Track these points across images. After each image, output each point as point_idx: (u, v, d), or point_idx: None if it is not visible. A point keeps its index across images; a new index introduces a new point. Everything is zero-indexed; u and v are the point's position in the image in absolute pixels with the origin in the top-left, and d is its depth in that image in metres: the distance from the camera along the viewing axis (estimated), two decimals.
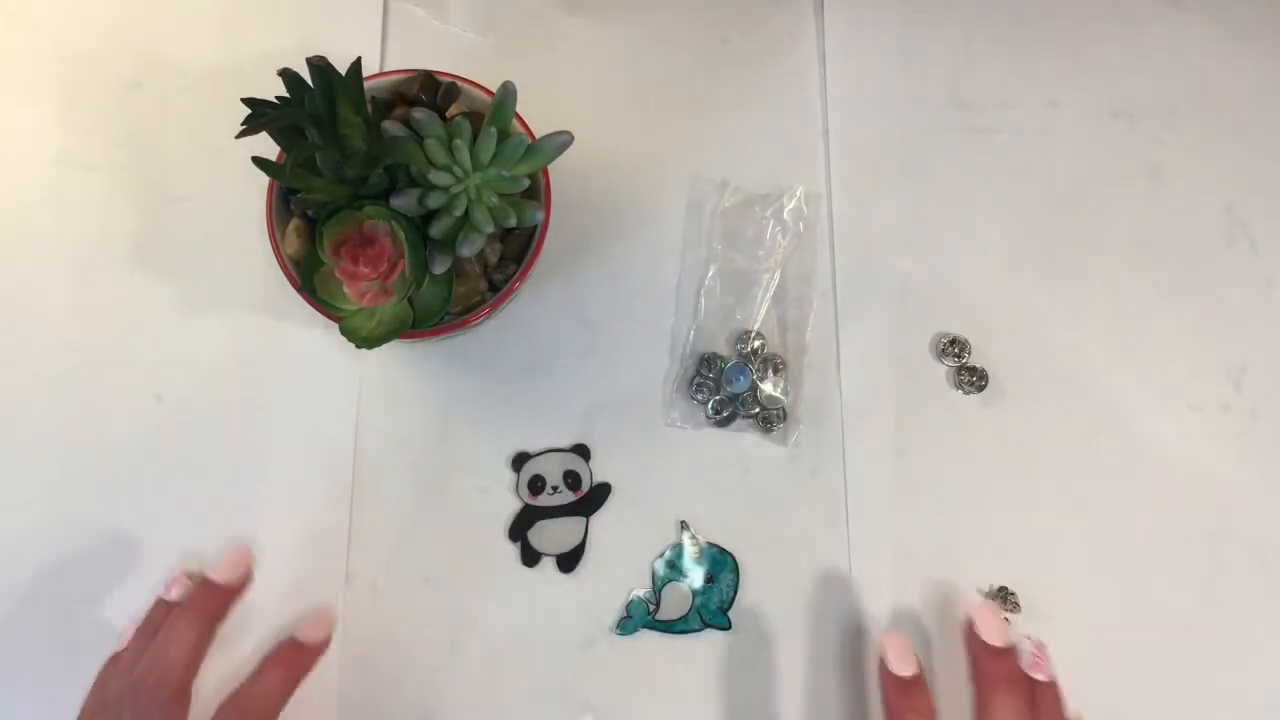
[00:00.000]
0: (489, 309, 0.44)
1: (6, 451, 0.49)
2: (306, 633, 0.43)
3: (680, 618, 0.48)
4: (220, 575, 0.43)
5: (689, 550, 0.48)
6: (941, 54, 0.55)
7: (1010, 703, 0.41)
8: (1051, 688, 0.42)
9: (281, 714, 0.41)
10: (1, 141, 0.52)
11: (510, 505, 0.49)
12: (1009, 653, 0.42)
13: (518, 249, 0.46)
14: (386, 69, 0.52)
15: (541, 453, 0.49)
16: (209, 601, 0.42)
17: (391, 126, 0.41)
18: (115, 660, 0.42)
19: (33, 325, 0.50)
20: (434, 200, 0.40)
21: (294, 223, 0.44)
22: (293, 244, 0.44)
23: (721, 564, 0.48)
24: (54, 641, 0.46)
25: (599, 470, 0.49)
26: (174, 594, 0.43)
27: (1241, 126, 0.55)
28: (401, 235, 0.40)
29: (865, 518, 0.49)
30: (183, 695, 0.40)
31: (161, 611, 0.43)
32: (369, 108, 0.42)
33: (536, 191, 0.45)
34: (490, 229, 0.41)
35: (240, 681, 0.41)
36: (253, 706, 0.41)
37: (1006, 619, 0.44)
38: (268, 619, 0.46)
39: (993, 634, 0.42)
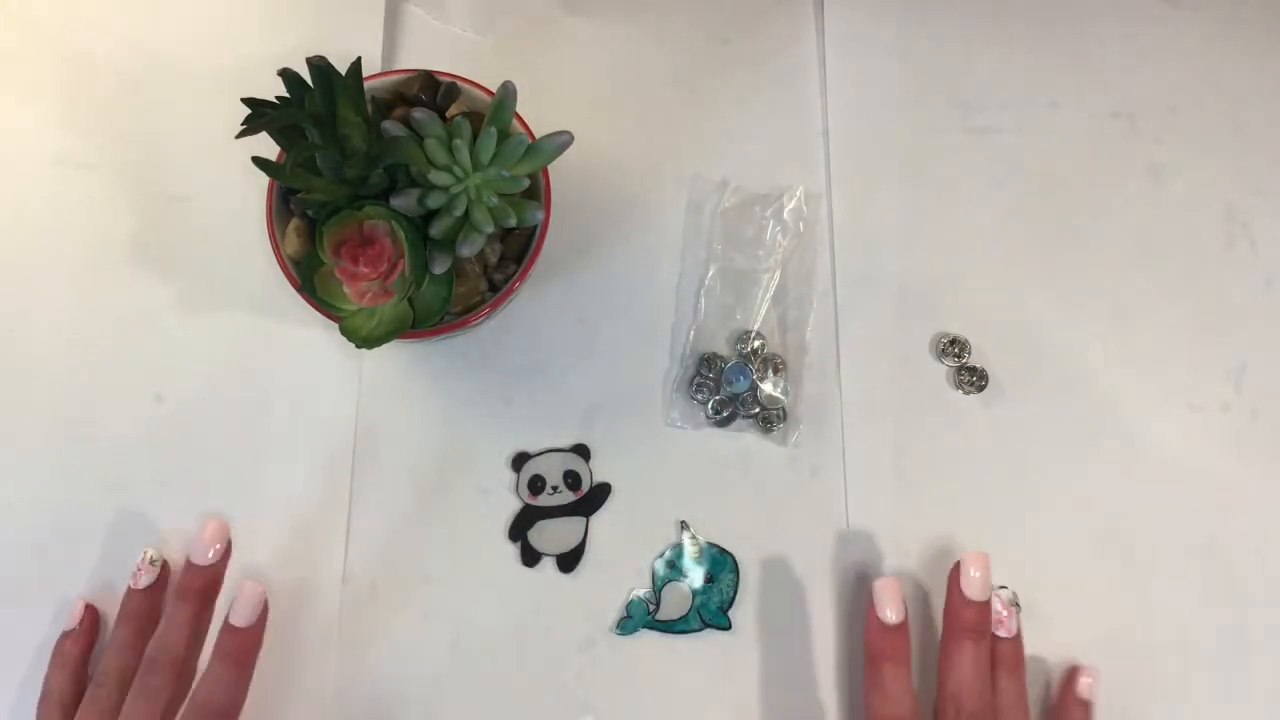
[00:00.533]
0: (489, 309, 0.44)
1: (6, 451, 0.49)
2: (237, 616, 0.43)
3: (680, 618, 0.48)
4: (200, 558, 0.44)
5: (689, 550, 0.48)
6: (941, 54, 0.55)
7: (973, 652, 0.42)
8: (1012, 644, 0.44)
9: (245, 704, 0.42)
10: (1, 141, 0.52)
11: (510, 505, 0.49)
12: (984, 605, 0.43)
13: (518, 249, 0.46)
14: (387, 69, 0.52)
15: (541, 453, 0.49)
16: (197, 582, 0.43)
17: (391, 126, 0.41)
18: (69, 640, 0.45)
19: (32, 325, 0.50)
20: (434, 200, 0.40)
21: (294, 223, 0.44)
22: (293, 244, 0.44)
23: (721, 564, 0.48)
24: (54, 641, 0.46)
25: (599, 470, 0.49)
26: (143, 582, 0.45)
27: (1241, 126, 0.55)
28: (401, 235, 0.40)
29: (865, 518, 0.49)
30: (188, 673, 0.42)
31: (137, 600, 0.44)
32: (369, 108, 0.42)
33: (536, 191, 0.45)
34: (490, 229, 0.41)
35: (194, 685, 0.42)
36: (211, 704, 0.41)
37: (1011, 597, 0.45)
38: (268, 619, 0.46)
39: (971, 586, 0.43)
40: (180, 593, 0.43)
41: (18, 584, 0.47)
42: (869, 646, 0.43)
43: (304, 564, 0.47)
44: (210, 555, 0.44)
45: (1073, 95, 0.55)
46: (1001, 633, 0.44)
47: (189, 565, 0.44)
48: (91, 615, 0.46)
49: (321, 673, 0.46)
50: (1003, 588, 0.45)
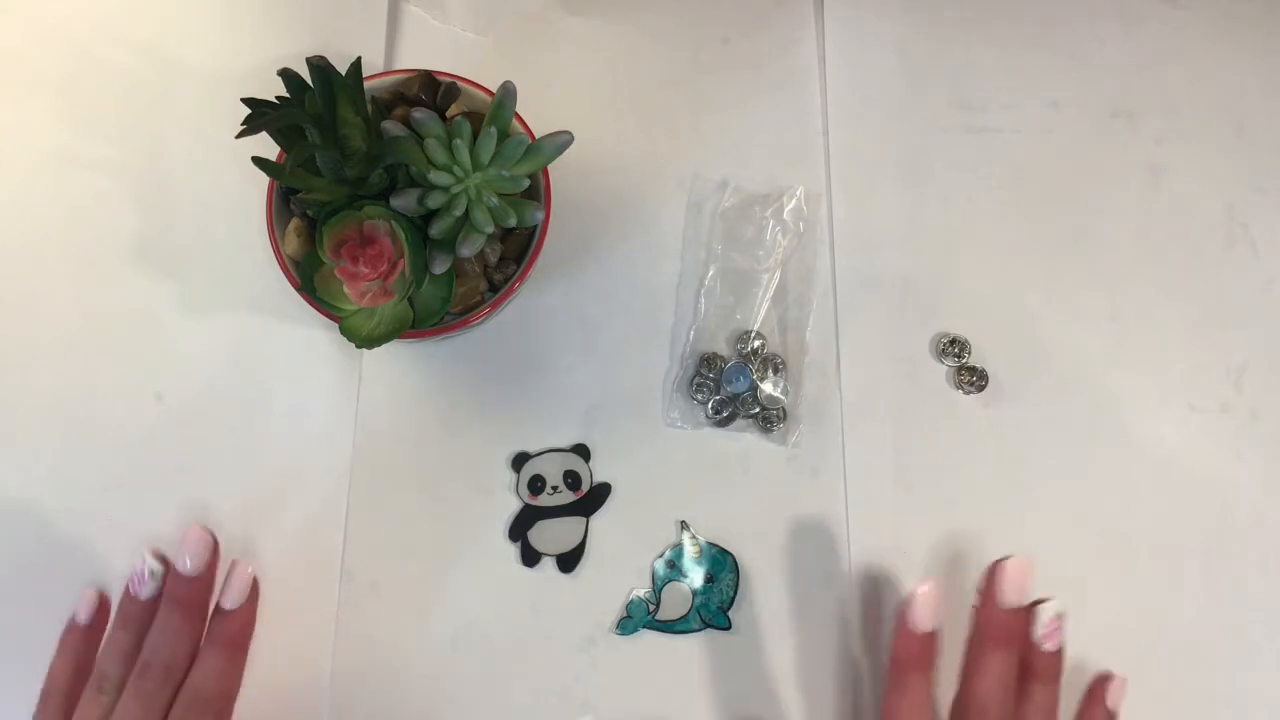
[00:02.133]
0: (489, 309, 0.44)
1: (6, 450, 0.49)
2: (227, 599, 0.42)
3: (680, 618, 0.48)
4: (189, 569, 0.41)
5: (689, 550, 0.48)
6: (941, 54, 0.55)
7: (1002, 662, 0.40)
8: (1055, 657, 0.41)
9: (239, 691, 0.41)
10: (2, 139, 0.52)
11: (510, 505, 0.49)
12: (1020, 612, 0.41)
13: (518, 249, 0.46)
14: (387, 69, 0.52)
15: (541, 453, 0.49)
16: (185, 592, 0.42)
17: (391, 126, 0.41)
18: (78, 630, 0.43)
19: (33, 325, 0.50)
20: (434, 200, 0.40)
21: (294, 223, 0.44)
22: (293, 244, 0.44)
23: (721, 564, 0.48)
24: (54, 641, 0.46)
25: (599, 470, 0.49)
26: (145, 594, 0.42)
27: (1241, 126, 0.55)
28: (401, 235, 0.40)
29: (865, 518, 0.49)
30: (184, 678, 0.41)
31: (137, 608, 0.43)
32: (369, 108, 0.42)
33: (536, 191, 0.45)
34: (490, 229, 0.41)
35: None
36: (205, 692, 0.41)
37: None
38: (264, 618, 0.46)
39: (1012, 592, 0.40)
40: (170, 601, 0.42)
41: (16, 583, 0.47)
42: (897, 650, 0.41)
43: (303, 563, 0.47)
44: (193, 565, 0.41)
45: (1073, 95, 0.55)
46: (1048, 646, 0.41)
47: (175, 575, 0.42)
48: (104, 607, 0.44)
49: (320, 671, 0.46)
50: (1044, 600, 0.42)
